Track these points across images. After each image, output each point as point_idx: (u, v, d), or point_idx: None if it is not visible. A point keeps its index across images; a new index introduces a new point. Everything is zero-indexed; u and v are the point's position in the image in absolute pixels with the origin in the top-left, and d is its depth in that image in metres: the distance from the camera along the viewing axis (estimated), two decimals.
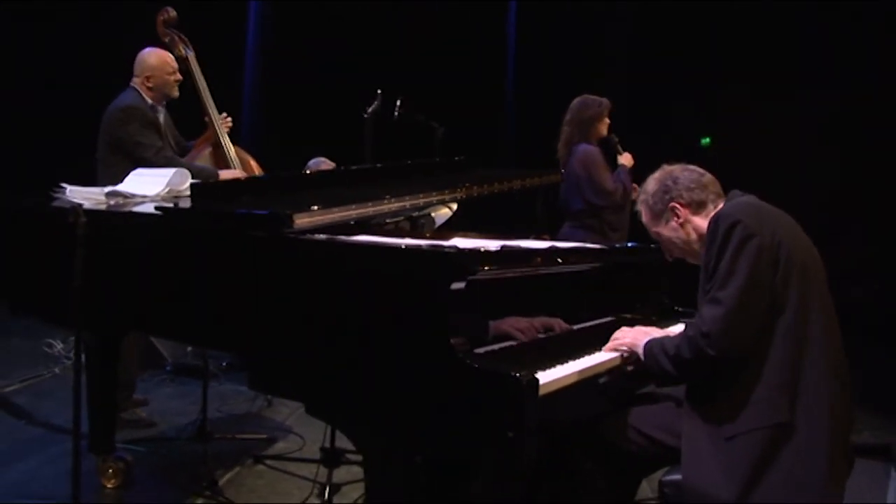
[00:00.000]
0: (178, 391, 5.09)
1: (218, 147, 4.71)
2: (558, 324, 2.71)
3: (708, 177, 2.58)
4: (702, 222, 2.51)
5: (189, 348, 5.40)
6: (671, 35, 7.27)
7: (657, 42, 7.35)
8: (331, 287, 2.20)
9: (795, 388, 2.26)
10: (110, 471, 3.52)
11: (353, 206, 2.48)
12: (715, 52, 7.08)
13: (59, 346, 5.55)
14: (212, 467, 3.71)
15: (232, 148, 4.73)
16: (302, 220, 2.30)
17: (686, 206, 2.54)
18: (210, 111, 4.64)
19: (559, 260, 2.64)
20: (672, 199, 2.54)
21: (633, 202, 4.94)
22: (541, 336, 2.61)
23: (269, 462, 3.91)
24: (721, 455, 2.27)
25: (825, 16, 6.83)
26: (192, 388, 4.99)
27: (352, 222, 2.57)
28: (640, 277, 3.27)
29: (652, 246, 3.39)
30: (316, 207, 2.38)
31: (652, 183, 2.62)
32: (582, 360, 2.47)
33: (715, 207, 2.52)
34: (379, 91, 4.64)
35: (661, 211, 2.57)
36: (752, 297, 2.26)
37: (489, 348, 2.39)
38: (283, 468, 3.85)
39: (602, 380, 2.50)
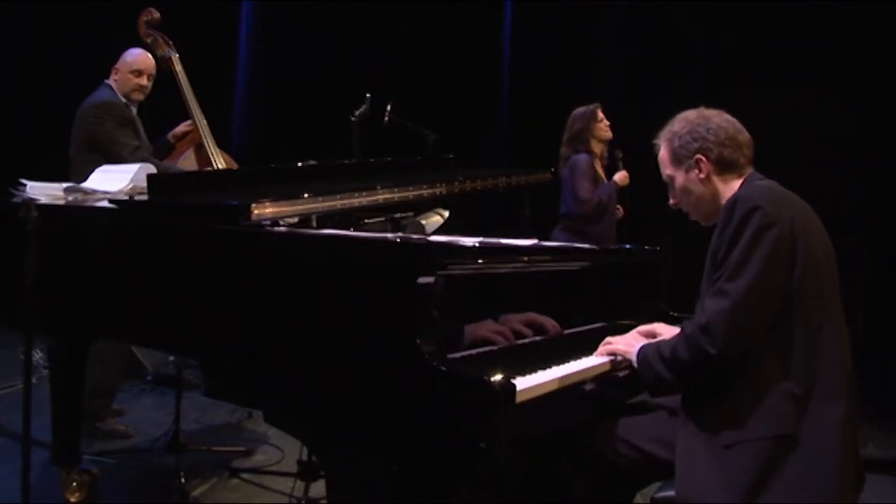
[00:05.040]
0: (157, 402, 4.91)
1: (201, 148, 4.58)
2: (551, 324, 2.52)
3: (745, 136, 2.30)
4: (722, 186, 2.27)
5: (171, 358, 5.22)
6: (668, 37, 7.13)
7: (653, 45, 7.20)
8: (289, 282, 2.03)
9: (807, 397, 2.06)
10: (74, 484, 3.32)
11: (320, 199, 2.30)
12: (713, 55, 6.94)
13: (37, 354, 5.35)
14: (184, 480, 3.52)
15: (216, 150, 4.59)
16: (261, 211, 2.12)
17: (712, 162, 2.27)
18: (194, 113, 4.53)
19: (540, 258, 2.44)
20: (700, 150, 2.27)
21: (620, 219, 5.08)
22: (530, 339, 2.43)
23: (244, 475, 3.74)
24: (718, 465, 2.07)
25: (827, 17, 6.68)
26: (172, 398, 4.70)
27: (318, 216, 2.40)
28: (634, 281, 3.08)
29: (646, 248, 3.23)
30: (278, 198, 2.21)
31: (682, 122, 2.33)
32: (568, 365, 2.29)
33: (740, 175, 2.28)
34: (368, 95, 4.57)
35: (684, 157, 2.30)
36: (764, 294, 2.06)
37: (468, 352, 2.21)
38: (259, 482, 3.68)
39: (588, 387, 2.31)
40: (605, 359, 2.41)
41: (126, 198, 2.57)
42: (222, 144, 4.69)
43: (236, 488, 3.62)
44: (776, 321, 2.08)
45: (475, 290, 2.20)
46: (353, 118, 4.67)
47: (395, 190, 2.57)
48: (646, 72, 7.17)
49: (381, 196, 2.51)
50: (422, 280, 1.84)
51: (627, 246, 3.64)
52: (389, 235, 2.05)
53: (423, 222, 3.41)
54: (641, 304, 3.01)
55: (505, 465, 2.49)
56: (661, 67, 7.05)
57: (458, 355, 2.15)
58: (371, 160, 3.22)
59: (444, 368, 1.79)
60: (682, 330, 2.19)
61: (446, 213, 3.52)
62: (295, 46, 7.61)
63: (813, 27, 6.72)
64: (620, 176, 4.94)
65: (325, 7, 7.53)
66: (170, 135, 4.56)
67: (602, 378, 2.40)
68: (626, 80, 7.27)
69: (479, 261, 2.16)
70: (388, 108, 4.81)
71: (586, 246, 3.18)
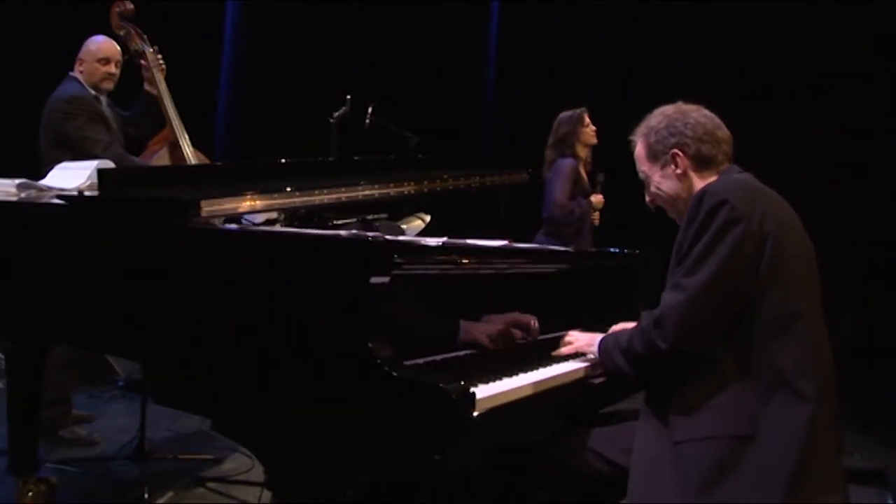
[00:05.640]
0: (128, 408, 4.75)
1: (176, 147, 4.44)
2: (520, 329, 2.41)
3: (724, 132, 2.21)
4: (699, 183, 2.16)
5: None
6: (659, 36, 7.05)
7: (643, 44, 7.12)
8: (235, 282, 1.90)
9: (768, 396, 1.95)
10: (30, 493, 3.18)
11: (276, 195, 2.18)
12: (707, 54, 6.86)
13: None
14: (146, 490, 3.39)
15: (190, 148, 4.46)
16: (211, 208, 1.99)
17: (689, 158, 2.17)
18: (169, 111, 4.38)
19: (509, 259, 2.33)
20: (676, 145, 2.18)
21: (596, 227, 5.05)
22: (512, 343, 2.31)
23: (210, 485, 3.60)
24: (671, 462, 1.96)
25: (824, 18, 6.61)
26: None
27: (287, 216, 2.29)
28: (611, 285, 2.98)
29: (625, 251, 3.12)
30: (232, 194, 2.09)
31: (659, 117, 2.24)
32: (537, 372, 2.18)
33: (719, 172, 2.18)
34: (348, 97, 4.52)
35: (660, 153, 2.21)
36: (722, 291, 1.97)
37: (430, 358, 2.09)
38: (225, 491, 3.54)
39: (558, 395, 2.19)
40: (579, 364, 2.31)
41: (75, 193, 2.44)
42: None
43: (201, 497, 3.49)
44: (738, 318, 1.99)
45: (436, 292, 2.09)
46: (331, 119, 4.63)
47: (361, 188, 2.46)
48: (636, 71, 7.08)
49: (345, 194, 2.39)
50: (375, 280, 1.72)
51: (612, 250, 3.53)
52: (343, 233, 1.93)
53: (404, 227, 3.29)
54: (618, 309, 2.89)
55: (475, 480, 2.37)
56: (652, 67, 6.97)
57: (420, 361, 2.04)
58: (342, 159, 3.09)
59: (395, 374, 1.67)
60: (640, 320, 2.10)
61: (428, 218, 3.40)
62: (280, 46, 7.50)
63: (809, 28, 6.65)
64: (596, 199, 4.97)
65: (311, 7, 7.43)
66: (145, 85, 4.33)
67: (574, 386, 2.29)
68: (616, 81, 7.18)
69: (441, 261, 2.04)
70: (370, 110, 4.76)
71: (559, 248, 3.05)
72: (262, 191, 2.19)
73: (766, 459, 1.91)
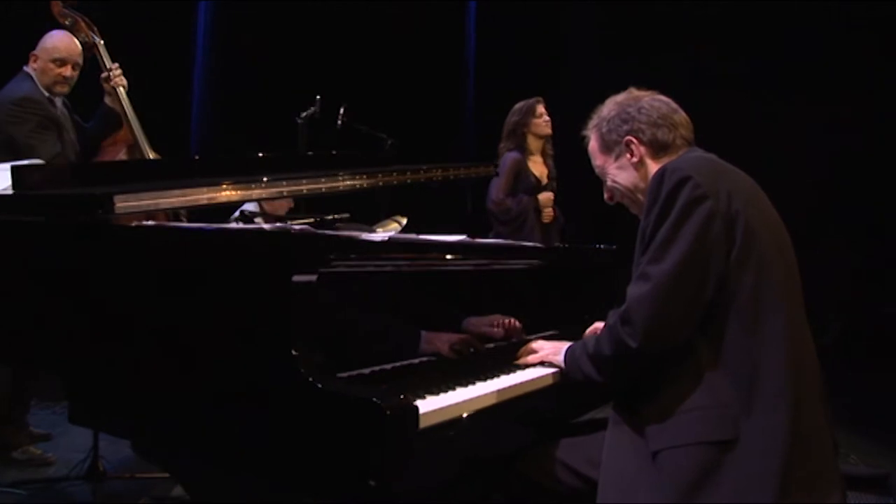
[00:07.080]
0: None
1: (134, 148, 4.21)
2: (475, 334, 2.21)
3: (681, 116, 2.04)
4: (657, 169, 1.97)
5: None
6: (642, 28, 6.90)
7: (625, 36, 6.96)
8: (147, 284, 1.69)
9: (748, 397, 1.75)
10: None
11: (206, 190, 1.96)
12: (693, 45, 6.72)
13: None
14: None
15: (149, 149, 4.25)
16: (126, 203, 1.77)
17: (644, 145, 2.01)
18: (125, 109, 4.14)
19: (463, 256, 2.11)
20: (630, 132, 2.02)
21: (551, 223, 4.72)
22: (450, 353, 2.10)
23: None
24: (647, 471, 1.77)
25: (810, 17, 6.48)
26: None
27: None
28: (587, 284, 2.77)
29: (600, 247, 2.92)
30: (158, 189, 1.87)
31: (611, 105, 2.08)
32: (496, 380, 1.97)
33: (678, 157, 1.99)
34: (318, 97, 4.35)
35: (614, 143, 2.05)
36: (692, 276, 1.77)
37: (377, 367, 1.88)
38: None
39: (522, 405, 1.98)
40: (546, 371, 2.10)
41: None
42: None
43: None
44: (712, 310, 1.79)
45: (383, 293, 1.88)
46: (299, 120, 4.46)
47: (305, 182, 2.24)
48: (619, 69, 6.92)
49: (287, 188, 2.18)
50: (299, 278, 1.51)
51: (585, 245, 3.33)
52: (266, 226, 1.73)
53: (381, 230, 3.10)
54: (592, 309, 2.69)
55: (439, 498, 2.16)
56: (635, 64, 6.80)
57: (365, 371, 1.83)
58: (294, 154, 2.90)
59: (321, 386, 1.45)
60: (607, 319, 1.90)
61: (404, 220, 3.21)
62: (254, 47, 7.33)
63: (805, 26, 6.53)
64: (543, 197, 4.64)
65: (285, 8, 7.26)
66: (105, 99, 4.02)
67: (541, 394, 2.07)
68: (598, 78, 7.00)
69: (386, 258, 1.83)
70: (342, 110, 4.59)
71: (526, 244, 2.83)
72: (191, 186, 1.97)
73: (751, 461, 1.72)
